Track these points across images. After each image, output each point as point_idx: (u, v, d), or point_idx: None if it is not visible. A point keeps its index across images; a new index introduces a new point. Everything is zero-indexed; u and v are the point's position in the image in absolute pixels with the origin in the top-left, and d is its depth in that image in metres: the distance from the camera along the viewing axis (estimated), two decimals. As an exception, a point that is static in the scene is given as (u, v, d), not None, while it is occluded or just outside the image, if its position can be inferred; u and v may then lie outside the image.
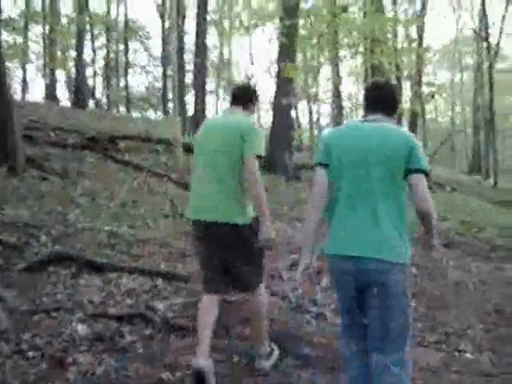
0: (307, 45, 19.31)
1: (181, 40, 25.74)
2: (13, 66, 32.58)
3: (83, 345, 4.17)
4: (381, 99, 3.11)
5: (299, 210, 10.58)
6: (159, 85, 37.71)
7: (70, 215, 7.28)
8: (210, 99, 30.17)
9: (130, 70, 37.66)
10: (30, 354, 3.98)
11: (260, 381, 3.96)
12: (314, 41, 19.04)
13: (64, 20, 33.08)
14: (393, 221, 2.91)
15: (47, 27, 31.59)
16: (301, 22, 16.86)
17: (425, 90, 21.61)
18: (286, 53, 15.00)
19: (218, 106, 37.28)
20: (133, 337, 4.38)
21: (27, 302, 4.83)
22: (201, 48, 23.15)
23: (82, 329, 4.34)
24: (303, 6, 17.38)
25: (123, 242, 6.66)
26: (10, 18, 28.65)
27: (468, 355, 4.85)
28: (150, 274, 5.77)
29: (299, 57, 19.71)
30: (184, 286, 5.68)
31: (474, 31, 34.53)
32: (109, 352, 4.11)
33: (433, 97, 22.13)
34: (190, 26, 30.46)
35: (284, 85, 15.20)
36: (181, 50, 24.73)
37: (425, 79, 24.01)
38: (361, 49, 19.46)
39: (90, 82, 34.49)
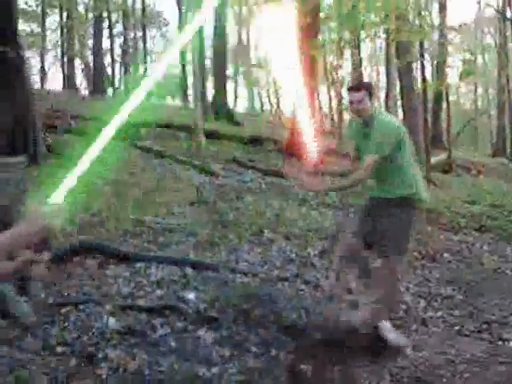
0: (328, 26, 18.98)
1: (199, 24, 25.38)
2: (31, 56, 32.50)
3: (114, 339, 3.99)
4: None
5: (323, 195, 10.34)
6: (177, 71, 37.48)
7: (93, 204, 7.11)
8: (228, 85, 29.86)
9: (147, 57, 37.43)
10: (59, 349, 3.81)
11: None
12: (334, 24, 18.68)
13: (81, 8, 32.93)
14: None
15: (64, 15, 31.49)
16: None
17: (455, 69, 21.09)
18: (308, 34, 14.68)
19: (236, 91, 36.94)
20: (165, 330, 4.19)
21: (54, 295, 4.66)
22: (220, 32, 22.86)
23: (112, 322, 4.16)
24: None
25: (149, 231, 6.48)
26: (28, 5, 28.47)
27: (513, 344, 4.61)
28: (179, 263, 5.58)
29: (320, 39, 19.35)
30: (214, 276, 5.48)
31: (497, 10, 33.78)
32: (140, 346, 3.93)
33: (468, 74, 21.58)
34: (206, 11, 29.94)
35: (307, 68, 14.93)
36: (199, 36, 24.42)
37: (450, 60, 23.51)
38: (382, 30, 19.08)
39: (108, 69, 34.36)
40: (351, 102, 4.63)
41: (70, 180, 1.89)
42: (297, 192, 9.94)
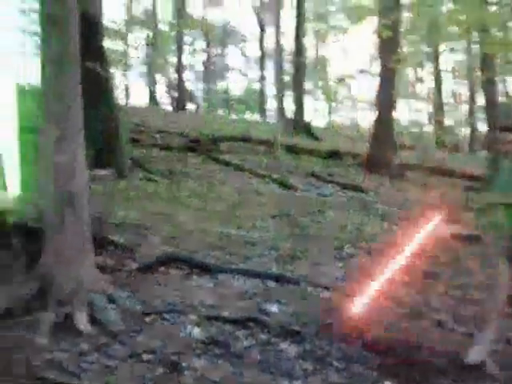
0: (409, 39, 18.69)
1: (278, 42, 25.67)
2: (115, 72, 33.67)
3: (198, 348, 4.04)
4: None
5: (406, 209, 10.16)
6: (256, 87, 37.90)
7: (178, 216, 7.26)
8: (306, 99, 29.91)
9: (227, 73, 38.02)
10: (145, 356, 3.88)
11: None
12: (415, 36, 18.43)
13: (162, 26, 33.86)
14: None
15: (147, 33, 32.52)
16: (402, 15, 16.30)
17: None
18: (389, 47, 14.55)
19: (315, 106, 36.90)
20: (249, 341, 4.20)
21: (140, 304, 4.77)
22: (299, 48, 22.95)
23: (196, 332, 4.21)
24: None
25: (232, 244, 6.55)
26: (112, 21, 29.47)
27: None
28: (262, 276, 5.61)
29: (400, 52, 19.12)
30: (296, 290, 5.47)
31: None
32: (224, 357, 3.96)
33: None
34: (285, 26, 30.24)
35: (386, 81, 14.82)
36: (279, 51, 24.64)
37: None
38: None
39: (190, 85, 35.15)
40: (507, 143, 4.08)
41: None
42: (377, 207, 9.82)
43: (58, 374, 3.62)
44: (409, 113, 26.84)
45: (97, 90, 9.12)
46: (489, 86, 16.17)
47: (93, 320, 4.41)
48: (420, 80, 20.94)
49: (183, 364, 3.79)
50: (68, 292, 4.52)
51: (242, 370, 3.78)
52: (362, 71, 33.39)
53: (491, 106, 15.71)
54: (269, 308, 4.86)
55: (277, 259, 6.38)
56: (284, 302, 5.09)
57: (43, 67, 5.03)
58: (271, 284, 5.50)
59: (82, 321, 4.34)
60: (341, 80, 35.53)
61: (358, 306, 5.35)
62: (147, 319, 4.48)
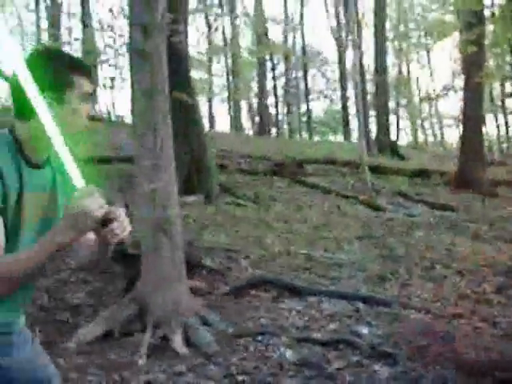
0: (494, 52, 18.30)
1: (360, 60, 25.67)
2: (200, 100, 34.53)
3: (291, 370, 4.11)
4: None
5: (499, 228, 9.86)
6: (337, 107, 37.87)
7: (265, 239, 7.39)
8: (390, 118, 29.64)
9: (309, 97, 38.20)
10: (240, 378, 3.99)
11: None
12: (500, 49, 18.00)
13: (244, 52, 34.55)
14: None
15: (229, 61, 33.25)
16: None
17: None
18: (474, 62, 14.26)
19: (399, 125, 36.43)
20: (340, 363, 4.23)
21: (232, 326, 4.89)
22: (380, 67, 22.86)
23: (288, 353, 4.28)
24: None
25: (320, 265, 6.59)
26: (201, 54, 30.33)
27: None
28: (351, 297, 5.62)
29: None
30: (386, 311, 5.44)
31: None
32: (317, 378, 4.00)
33: None
34: (366, 45, 30.17)
35: (472, 96, 14.49)
36: (361, 71, 24.59)
37: None
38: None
39: (272, 109, 35.55)
40: None
41: (72, 164, 1.66)
42: (468, 225, 9.58)
43: (158, 393, 3.78)
44: (499, 128, 26.04)
45: (185, 118, 9.46)
46: None
47: (188, 342, 4.57)
48: (509, 95, 20.29)
49: (277, 385, 3.87)
50: (164, 314, 4.72)
51: (335, 392, 3.81)
52: (446, 88, 32.76)
53: None
54: (359, 330, 4.86)
55: (365, 280, 6.36)
56: (374, 323, 5.08)
57: (134, 100, 5.32)
58: (361, 306, 5.49)
59: (177, 342, 4.52)
60: (427, 98, 34.96)
61: (452, 327, 5.28)
62: (240, 341, 4.60)
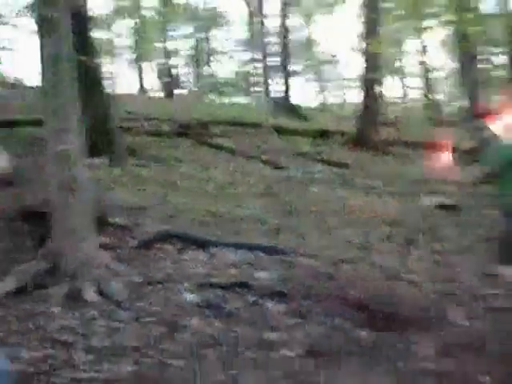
0: (392, 17, 19.12)
1: (263, 23, 26.01)
2: (104, 61, 33.79)
3: (193, 311, 4.56)
4: None
5: (389, 184, 10.65)
6: (245, 69, 38.16)
7: (171, 197, 7.76)
8: (297, 81, 30.30)
9: (216, 57, 38.23)
10: (147, 319, 4.41)
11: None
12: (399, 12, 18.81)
13: (147, 13, 33.95)
14: None
15: (134, 21, 32.68)
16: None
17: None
18: (371, 27, 14.98)
19: (304, 88, 37.23)
20: (238, 303, 4.73)
21: (140, 276, 5.29)
22: (284, 29, 23.35)
23: (190, 297, 4.74)
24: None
25: (223, 221, 7.06)
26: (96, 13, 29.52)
27: None
28: (251, 248, 6.11)
29: (384, 30, 19.52)
30: (282, 259, 5.98)
31: None
32: (217, 317, 4.48)
33: None
34: (270, 7, 30.44)
35: (370, 60, 15.23)
36: (264, 34, 25.03)
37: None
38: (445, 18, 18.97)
39: (178, 71, 35.38)
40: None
41: None
42: (361, 181, 10.33)
43: (71, 336, 4.14)
44: (400, 90, 27.23)
45: (87, 81, 9.52)
46: (466, 60, 16.61)
47: (99, 292, 4.93)
48: (406, 55, 21.31)
49: (180, 324, 4.31)
50: (76, 268, 5.03)
51: (232, 327, 4.30)
52: (347, 50, 33.72)
53: (469, 80, 16.20)
54: (257, 275, 5.37)
55: (265, 233, 6.89)
56: (273, 269, 5.61)
57: (42, 65, 5.50)
58: (260, 255, 6.00)
59: (89, 292, 4.86)
60: (328, 60, 35.86)
61: (340, 270, 5.91)
62: (147, 288, 5.00)
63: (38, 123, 10.71)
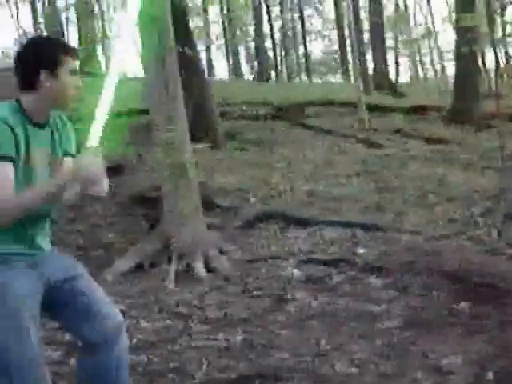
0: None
1: None
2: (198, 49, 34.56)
3: (298, 285, 4.83)
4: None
5: (489, 158, 10.45)
6: (336, 48, 37.93)
7: (271, 179, 8.07)
8: (389, 56, 29.79)
9: (307, 37, 38.20)
10: (255, 293, 4.73)
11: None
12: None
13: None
14: None
15: (225, 7, 33.25)
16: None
17: None
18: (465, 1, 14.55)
19: (398, 62, 36.51)
20: (340, 277, 4.95)
21: (246, 253, 5.63)
22: (375, 5, 23.01)
23: (296, 272, 5.01)
24: None
25: (321, 199, 7.29)
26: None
27: None
28: (349, 225, 6.31)
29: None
30: (381, 235, 6.14)
31: None
32: (320, 291, 4.72)
33: None
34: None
35: (465, 33, 14.78)
36: (355, 9, 24.73)
37: None
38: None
39: (270, 53, 35.68)
40: None
41: (96, 125, 2.17)
42: (460, 157, 10.21)
43: (187, 308, 4.52)
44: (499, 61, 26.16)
45: (187, 69, 9.96)
46: None
47: (208, 269, 5.30)
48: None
49: (287, 297, 4.60)
50: (186, 247, 5.43)
51: (336, 299, 4.53)
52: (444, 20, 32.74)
53: None
54: (357, 251, 5.57)
55: (362, 211, 7.05)
56: (370, 245, 5.79)
57: (146, 60, 5.91)
58: (358, 232, 6.19)
59: (199, 269, 5.25)
60: (426, 34, 34.91)
61: (440, 246, 5.98)
62: (253, 265, 5.33)
63: (140, 113, 11.36)
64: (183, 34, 10.11)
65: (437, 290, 4.72)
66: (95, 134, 2.16)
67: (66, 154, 2.36)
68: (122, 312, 2.59)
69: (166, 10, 5.76)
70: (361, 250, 5.57)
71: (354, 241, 5.94)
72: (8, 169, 2.10)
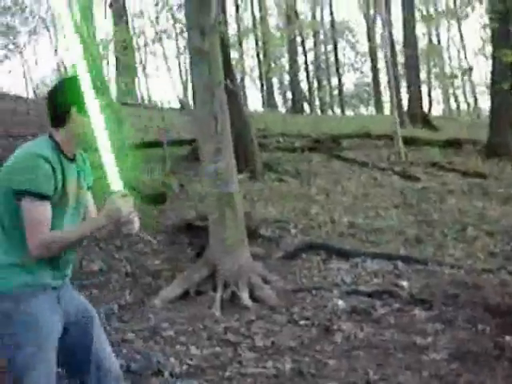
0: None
1: (389, 32, 25.93)
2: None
3: (343, 316, 4.91)
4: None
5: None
6: (368, 80, 38.18)
7: (310, 210, 8.18)
8: (422, 89, 29.78)
9: (340, 69, 38.50)
10: (302, 322, 4.82)
11: None
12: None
13: (274, 30, 34.94)
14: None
15: (259, 41, 33.78)
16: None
17: None
18: (501, 35, 14.60)
19: (431, 95, 36.56)
20: (384, 309, 5.02)
21: (289, 283, 5.72)
22: (410, 38, 23.16)
23: (341, 303, 5.09)
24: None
25: (361, 231, 7.37)
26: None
27: None
28: (391, 257, 6.38)
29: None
30: (422, 268, 6.19)
31: None
32: (366, 322, 4.79)
33: None
34: (395, 16, 30.35)
35: (501, 68, 14.80)
36: (391, 43, 24.95)
37: None
38: None
39: (304, 85, 36.04)
40: None
41: (114, 168, 2.31)
42: (498, 191, 10.20)
43: (235, 336, 4.62)
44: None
45: (228, 102, 10.19)
46: None
47: (253, 297, 5.41)
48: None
49: (333, 327, 4.67)
50: (231, 275, 5.55)
51: (382, 331, 4.60)
52: (476, 54, 32.72)
53: None
54: (399, 283, 5.63)
55: (403, 243, 7.12)
56: (412, 278, 5.84)
57: (195, 93, 6.12)
58: (400, 264, 6.25)
59: (245, 298, 5.36)
60: (459, 69, 34.90)
61: (481, 280, 6.01)
62: (298, 295, 5.42)
63: (182, 143, 11.60)
64: (226, 67, 10.37)
65: (481, 323, 4.75)
66: (114, 178, 2.31)
67: (88, 187, 2.58)
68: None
69: (217, 45, 5.98)
70: (403, 283, 5.63)
71: (396, 273, 6.00)
72: (48, 207, 2.30)
